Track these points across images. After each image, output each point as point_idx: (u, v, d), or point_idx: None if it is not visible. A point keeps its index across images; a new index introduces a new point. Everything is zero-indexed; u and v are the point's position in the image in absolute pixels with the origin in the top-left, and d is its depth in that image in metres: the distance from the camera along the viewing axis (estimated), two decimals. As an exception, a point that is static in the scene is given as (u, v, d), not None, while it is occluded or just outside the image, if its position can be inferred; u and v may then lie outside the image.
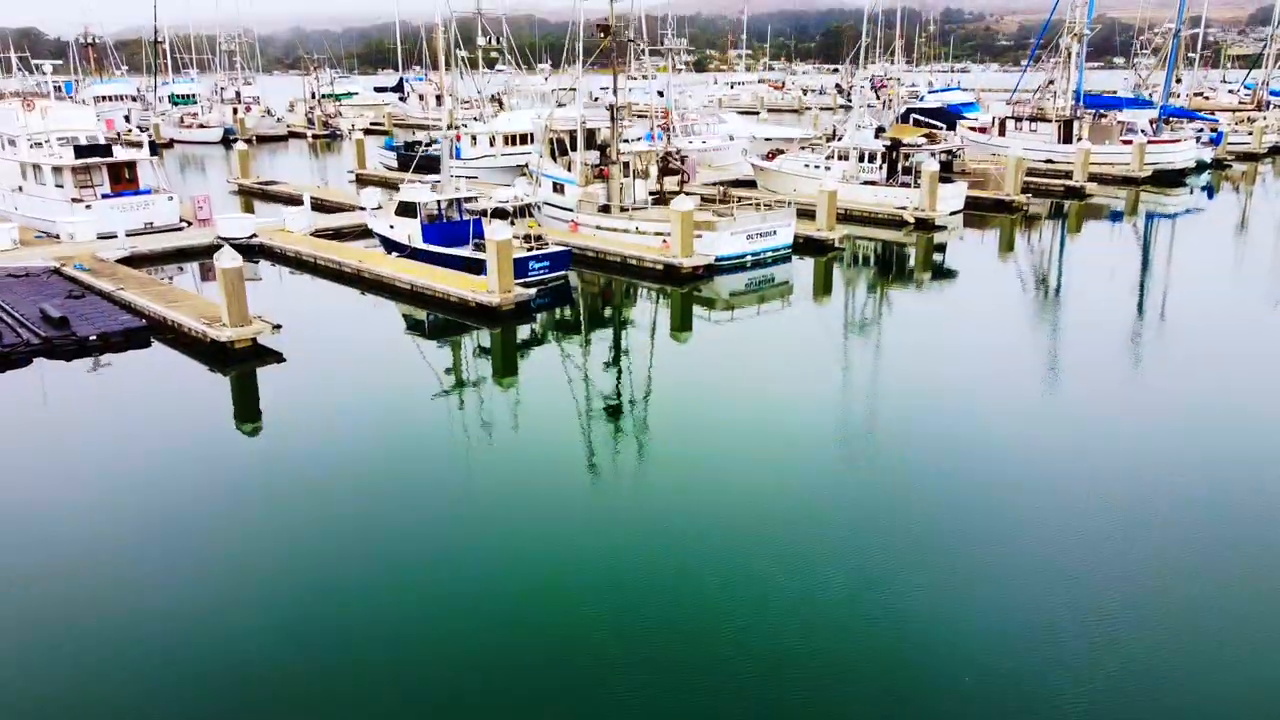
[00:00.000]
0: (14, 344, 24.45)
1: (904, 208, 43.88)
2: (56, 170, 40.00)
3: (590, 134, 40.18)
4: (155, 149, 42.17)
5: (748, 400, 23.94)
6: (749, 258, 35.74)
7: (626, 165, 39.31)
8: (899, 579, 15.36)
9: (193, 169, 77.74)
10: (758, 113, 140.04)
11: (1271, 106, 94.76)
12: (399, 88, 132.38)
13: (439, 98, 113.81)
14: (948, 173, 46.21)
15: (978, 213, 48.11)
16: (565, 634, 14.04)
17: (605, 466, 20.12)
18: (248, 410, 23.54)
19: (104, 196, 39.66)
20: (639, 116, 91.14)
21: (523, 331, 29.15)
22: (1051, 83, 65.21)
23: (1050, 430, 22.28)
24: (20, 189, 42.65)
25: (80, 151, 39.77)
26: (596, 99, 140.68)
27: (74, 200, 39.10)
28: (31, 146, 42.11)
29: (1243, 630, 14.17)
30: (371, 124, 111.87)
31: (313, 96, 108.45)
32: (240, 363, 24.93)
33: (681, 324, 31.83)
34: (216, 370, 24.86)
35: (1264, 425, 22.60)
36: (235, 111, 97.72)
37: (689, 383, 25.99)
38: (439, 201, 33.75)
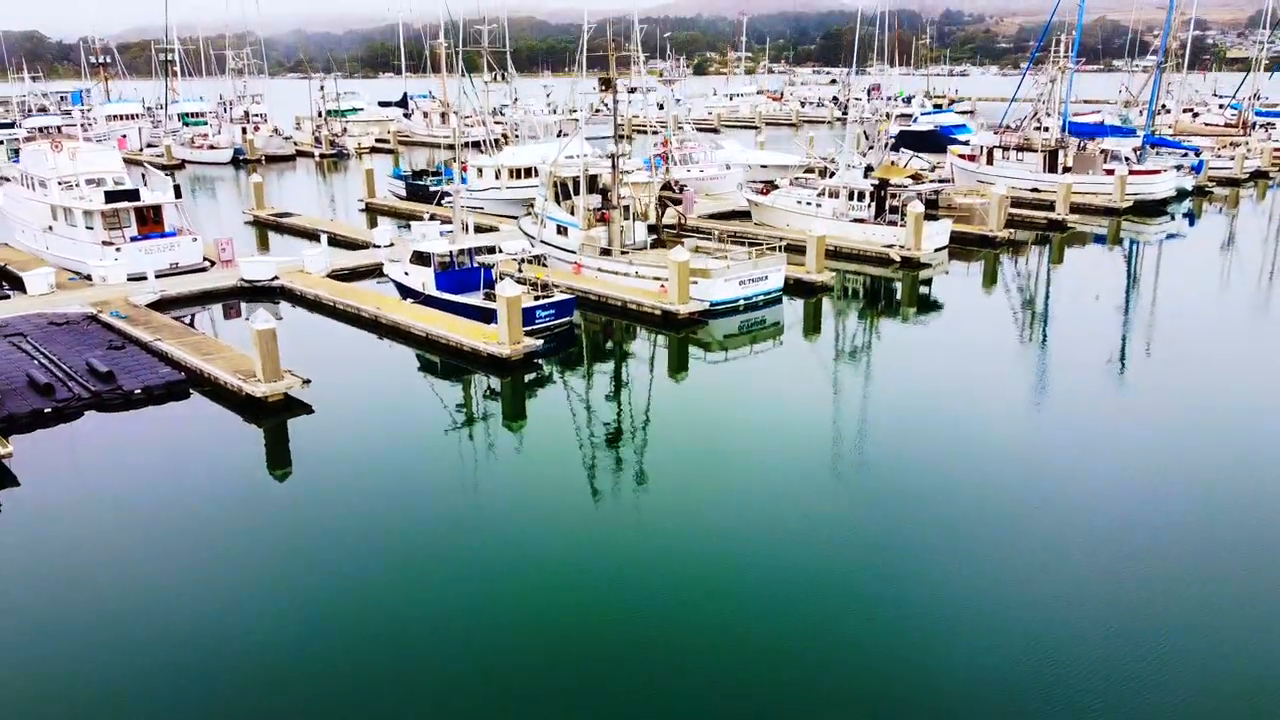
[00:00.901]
0: (66, 399, 26.69)
1: (891, 245, 46.08)
2: (87, 213, 42.25)
3: (592, 179, 42.39)
4: (179, 192, 44.30)
5: (741, 435, 26.64)
6: (741, 302, 37.96)
7: (627, 209, 41.59)
8: (891, 597, 17.94)
9: (206, 193, 79.83)
10: (756, 128, 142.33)
11: (1257, 126, 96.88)
12: (403, 102, 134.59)
13: (443, 115, 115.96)
14: (933, 210, 48.40)
15: (963, 247, 50.32)
16: (575, 646, 16.74)
17: (612, 504, 22.46)
18: (280, 459, 25.80)
19: (132, 239, 41.89)
20: (637, 131, 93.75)
21: (531, 377, 31.37)
22: (1036, 114, 67.44)
23: (1038, 453, 25.41)
24: (50, 229, 44.89)
25: (110, 196, 42.02)
26: (598, 111, 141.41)
27: (105, 243, 41.35)
28: (61, 187, 44.31)
29: (1230, 636, 16.96)
30: (377, 140, 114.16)
31: (320, 115, 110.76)
32: (273, 415, 27.19)
33: (679, 365, 34.10)
34: (251, 422, 27.11)
35: (1247, 437, 26.05)
36: (244, 131, 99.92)
37: (686, 421, 28.51)
38: (451, 252, 36.00)
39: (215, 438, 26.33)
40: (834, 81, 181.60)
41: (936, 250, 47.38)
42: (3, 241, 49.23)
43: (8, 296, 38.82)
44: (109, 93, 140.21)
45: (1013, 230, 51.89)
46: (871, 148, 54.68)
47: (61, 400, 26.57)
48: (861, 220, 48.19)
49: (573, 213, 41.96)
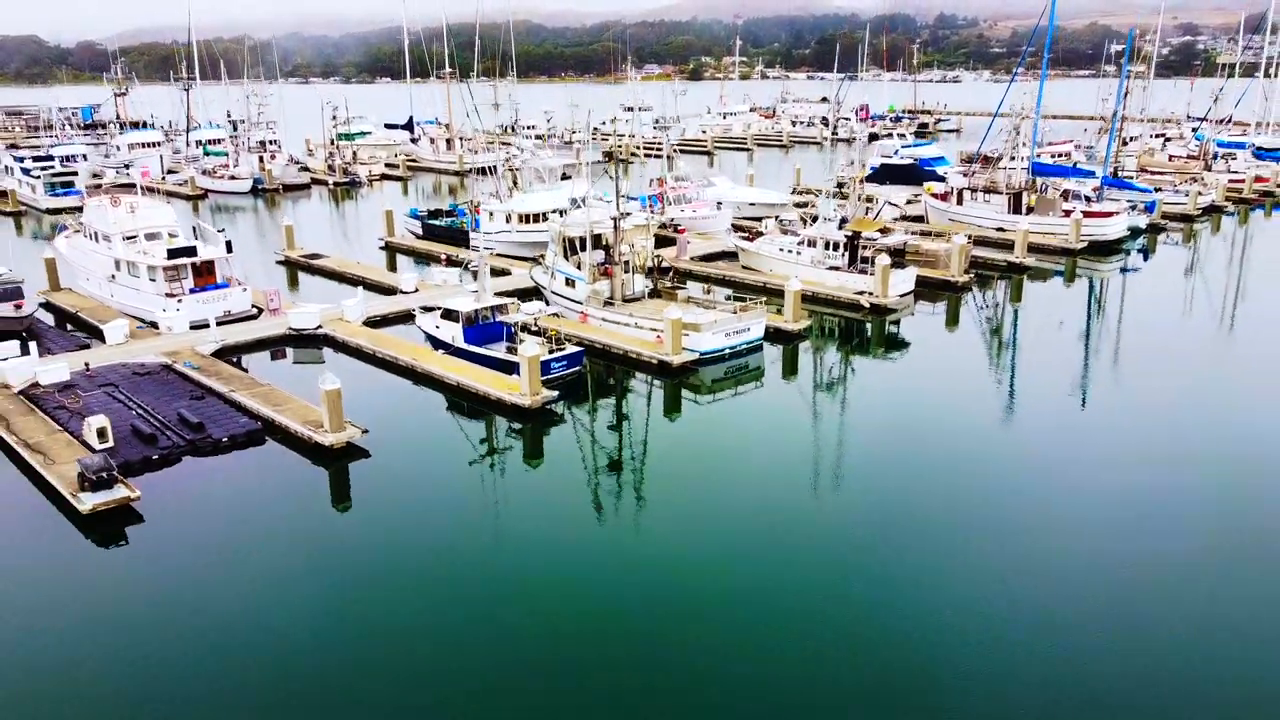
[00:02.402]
0: (169, 447, 32.33)
1: (861, 293, 51.83)
2: (150, 268, 47.89)
3: (596, 237, 48.07)
4: (230, 247, 49.90)
5: (729, 466, 33.27)
6: (727, 351, 43.64)
7: (627, 264, 47.32)
8: (882, 600, 24.24)
9: (233, 226, 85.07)
10: (749, 150, 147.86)
11: (1218, 157, 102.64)
12: (409, 126, 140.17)
13: (449, 142, 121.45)
14: (899, 258, 54.17)
15: (928, 290, 56.09)
16: (587, 649, 22.52)
17: (619, 532, 28.53)
18: (343, 496, 31.51)
19: (191, 291, 47.53)
20: (633, 155, 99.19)
21: (547, 421, 37.05)
22: (1000, 157, 73.31)
23: (1002, 461, 33.53)
24: (113, 278, 50.51)
25: (173, 254, 47.65)
26: (596, 129, 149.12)
27: (168, 295, 47.00)
28: (125, 242, 49.89)
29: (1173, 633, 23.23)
30: (386, 166, 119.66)
31: (332, 143, 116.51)
32: (337, 459, 32.87)
33: (672, 407, 39.84)
34: (320, 465, 32.79)
35: (1201, 442, 34.50)
36: (261, 160, 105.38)
37: (681, 456, 34.75)
38: (477, 310, 41.67)
39: (292, 480, 32.02)
40: (825, 99, 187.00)
41: (902, 295, 53.11)
42: (67, 287, 54.78)
43: (88, 345, 44.39)
44: (121, 116, 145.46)
45: (972, 274, 57.63)
46: (848, 193, 60.30)
47: (164, 448, 32.22)
48: (836, 268, 53.93)
49: (579, 267, 47.64)
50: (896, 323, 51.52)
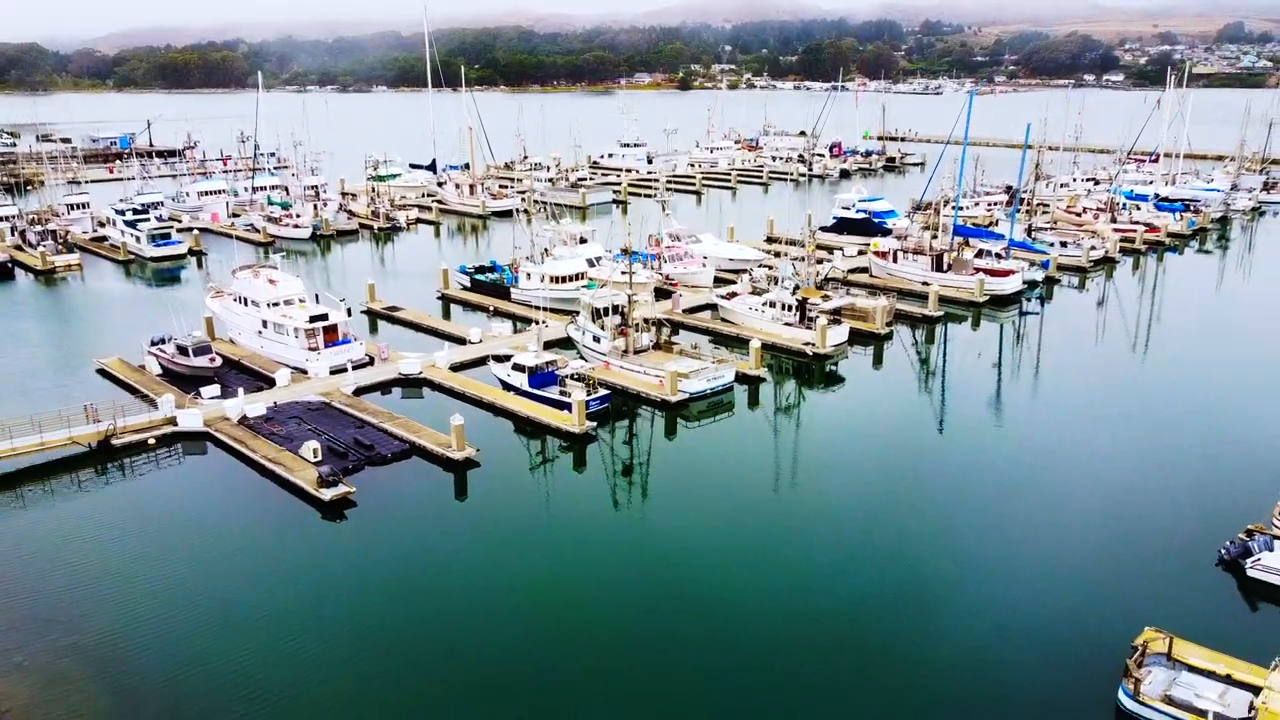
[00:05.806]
0: (356, 460, 51.23)
1: (807, 344, 71.14)
2: (295, 329, 66.77)
3: (616, 306, 67.19)
4: (350, 312, 68.89)
5: (716, 472, 52.20)
6: (709, 390, 62.81)
7: (637, 326, 66.51)
8: (828, 578, 42.67)
9: (304, 273, 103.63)
10: (732, 189, 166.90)
11: (1125, 208, 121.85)
12: (432, 166, 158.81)
13: (472, 187, 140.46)
14: (837, 316, 73.50)
15: (859, 339, 75.35)
16: (618, 585, 41.31)
17: (636, 509, 47.35)
18: (462, 492, 50.50)
19: (326, 346, 66.45)
20: (632, 194, 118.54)
21: (588, 441, 56.00)
22: (926, 227, 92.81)
23: (911, 468, 50.72)
24: (260, 333, 69.34)
25: (313, 318, 66.57)
26: (595, 163, 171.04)
27: (310, 349, 65.92)
28: (270, 307, 68.71)
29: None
30: (419, 209, 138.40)
31: (372, 190, 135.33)
32: (460, 469, 51.85)
33: (671, 430, 58.92)
34: (449, 472, 51.78)
35: (1109, 444, 52.07)
36: (315, 208, 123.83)
37: (680, 465, 53.76)
38: (538, 364, 60.68)
39: (433, 482, 51.01)
40: (803, 133, 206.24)
41: (837, 345, 72.42)
42: (219, 337, 73.49)
43: (261, 387, 63.18)
44: (194, 166, 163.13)
45: (892, 327, 77.03)
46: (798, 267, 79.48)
47: (353, 461, 51.13)
48: (790, 324, 73.22)
49: (603, 328, 66.75)
50: (835, 364, 70.77)
